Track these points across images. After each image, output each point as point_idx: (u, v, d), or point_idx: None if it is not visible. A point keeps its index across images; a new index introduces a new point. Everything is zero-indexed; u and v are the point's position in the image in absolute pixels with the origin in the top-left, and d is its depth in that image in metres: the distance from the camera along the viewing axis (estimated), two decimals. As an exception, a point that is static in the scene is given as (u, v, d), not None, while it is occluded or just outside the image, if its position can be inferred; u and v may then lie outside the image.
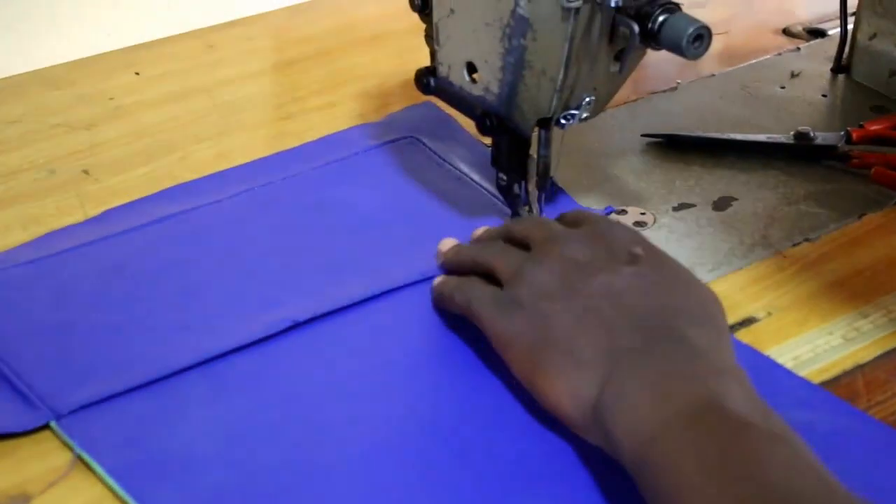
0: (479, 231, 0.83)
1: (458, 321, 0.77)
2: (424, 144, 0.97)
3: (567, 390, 0.67)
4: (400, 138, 0.98)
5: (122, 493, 0.65)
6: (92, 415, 0.70)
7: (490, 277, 0.75)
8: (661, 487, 0.59)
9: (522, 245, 0.76)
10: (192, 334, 0.76)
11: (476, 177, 0.93)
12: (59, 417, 0.70)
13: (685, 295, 0.70)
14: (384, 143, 0.97)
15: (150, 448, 0.68)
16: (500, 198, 0.88)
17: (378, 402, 0.72)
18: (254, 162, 0.96)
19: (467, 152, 0.96)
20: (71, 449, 0.68)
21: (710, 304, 0.70)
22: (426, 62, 0.87)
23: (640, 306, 0.68)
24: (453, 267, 0.80)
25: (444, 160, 0.95)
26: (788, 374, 0.74)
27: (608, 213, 0.88)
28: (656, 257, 0.73)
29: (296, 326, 0.77)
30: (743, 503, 0.56)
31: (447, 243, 0.82)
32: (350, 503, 0.66)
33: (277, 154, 0.97)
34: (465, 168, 0.94)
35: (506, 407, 0.72)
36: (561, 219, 0.79)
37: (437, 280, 0.80)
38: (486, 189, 0.92)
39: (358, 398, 0.73)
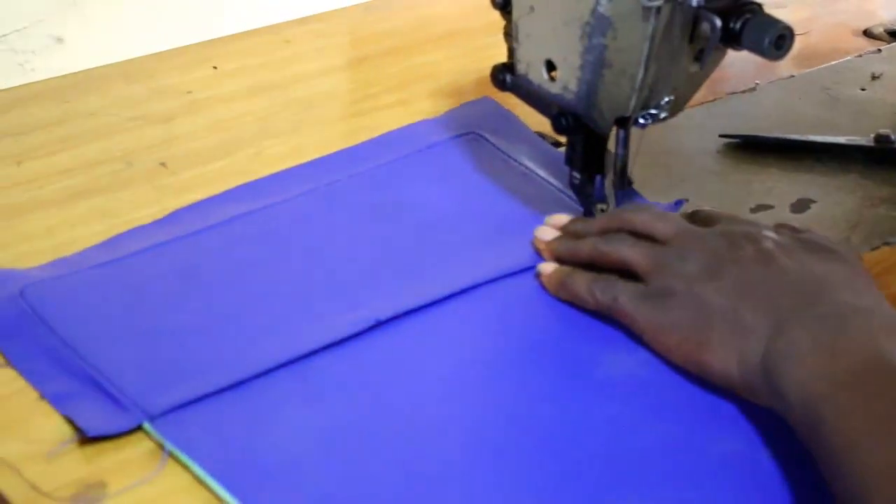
0: (563, 218, 0.83)
1: (544, 317, 0.78)
2: (487, 140, 0.97)
3: (734, 356, 0.68)
4: (463, 134, 0.98)
5: (222, 492, 0.65)
6: (184, 415, 0.70)
7: (618, 271, 0.76)
8: (832, 445, 0.60)
9: (645, 238, 0.76)
10: (275, 336, 0.76)
11: (541, 172, 0.93)
12: (151, 418, 0.69)
13: (838, 262, 0.71)
14: (448, 139, 0.98)
15: (244, 448, 0.68)
16: (567, 193, 0.88)
17: (467, 402, 0.72)
18: (318, 160, 0.96)
19: (530, 147, 0.96)
20: (162, 449, 0.68)
21: (860, 268, 0.72)
22: (500, 60, 0.86)
23: (794, 271, 0.70)
24: (568, 258, 0.80)
25: (507, 155, 0.95)
26: None
27: (678, 206, 0.88)
28: (795, 230, 0.75)
29: (378, 326, 0.77)
30: None
31: (548, 231, 0.82)
32: (449, 501, 0.66)
33: (341, 151, 0.97)
34: (529, 163, 0.94)
35: (597, 404, 0.71)
36: (693, 216, 0.79)
37: (550, 271, 0.79)
38: (551, 184, 0.92)
39: (447, 397, 0.72)
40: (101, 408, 0.70)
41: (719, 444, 0.69)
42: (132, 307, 0.79)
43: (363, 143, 0.97)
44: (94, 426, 0.69)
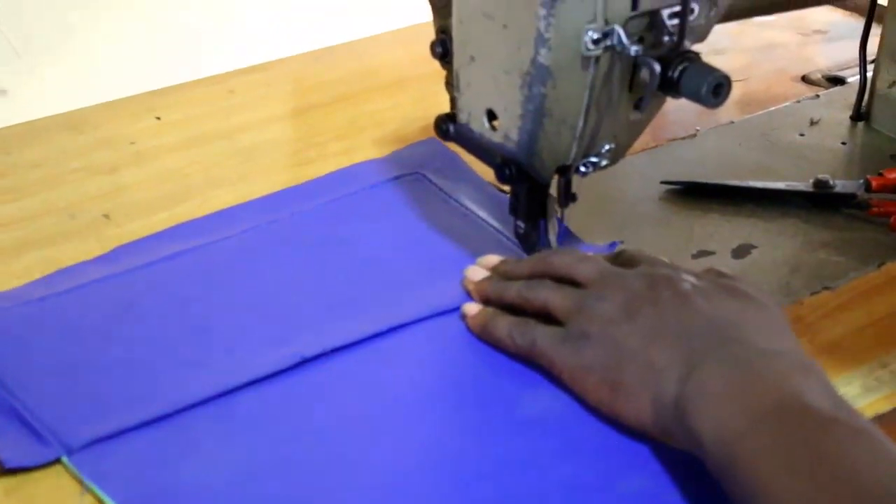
0: (493, 259, 0.84)
1: (466, 356, 0.79)
2: (430, 181, 0.98)
3: (648, 398, 0.68)
4: (406, 174, 0.99)
5: None
6: (102, 449, 0.71)
7: (541, 315, 0.76)
8: (748, 485, 0.61)
9: (568, 282, 0.76)
10: (201, 370, 0.77)
11: (482, 213, 0.94)
12: (69, 452, 0.70)
13: (755, 307, 0.72)
14: (391, 178, 0.99)
15: (160, 482, 0.69)
16: (506, 234, 0.90)
17: (385, 439, 0.72)
18: (261, 199, 0.97)
19: (472, 188, 0.97)
20: (80, 483, 0.68)
21: (777, 314, 0.72)
22: (446, 108, 0.87)
23: (709, 313, 0.70)
24: (495, 300, 0.80)
25: (449, 196, 0.96)
26: None
27: (612, 248, 0.89)
28: (720, 275, 0.75)
29: (305, 362, 0.77)
30: (835, 500, 0.57)
31: (477, 272, 0.83)
32: None
33: (284, 190, 0.98)
34: (470, 204, 0.95)
35: (513, 443, 0.72)
36: (617, 257, 0.80)
37: (475, 312, 0.80)
38: (491, 225, 0.93)
39: (367, 435, 0.73)
40: (21, 440, 0.71)
41: (626, 481, 0.69)
42: (64, 341, 0.80)
43: (307, 183, 0.99)
44: (11, 458, 0.70)
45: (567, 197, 0.82)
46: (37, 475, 0.69)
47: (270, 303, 0.84)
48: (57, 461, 0.70)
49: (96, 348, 0.79)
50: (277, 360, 0.77)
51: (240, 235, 0.91)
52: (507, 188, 0.86)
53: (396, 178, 0.99)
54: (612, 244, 0.89)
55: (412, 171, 0.99)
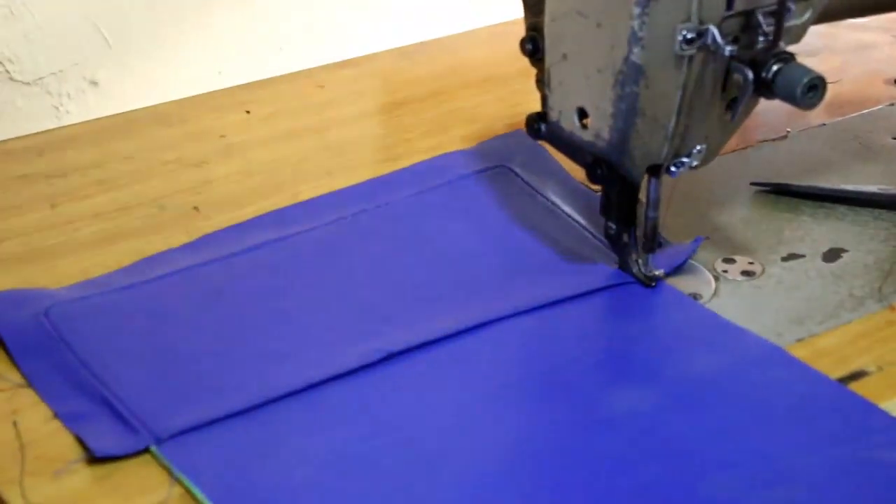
0: None
1: (551, 353, 0.79)
2: (516, 174, 0.98)
3: None
4: (492, 167, 0.99)
5: None
6: (192, 439, 0.71)
7: None
8: None
9: None
10: (289, 362, 0.77)
11: (568, 209, 0.94)
12: (159, 441, 0.70)
13: None
14: (476, 171, 0.98)
15: (249, 474, 0.69)
16: (591, 230, 0.90)
17: (472, 433, 0.72)
18: (347, 189, 0.97)
19: (558, 183, 0.96)
20: (170, 473, 0.69)
21: None
22: (535, 106, 0.87)
23: None
24: None
25: (535, 190, 0.96)
26: None
27: (697, 243, 0.88)
28: None
29: (391, 357, 0.77)
30: None
31: None
32: None
33: (370, 181, 0.98)
34: (556, 199, 0.95)
35: (597, 440, 0.72)
36: None
37: None
38: (577, 221, 0.92)
39: (452, 429, 0.73)
40: (111, 429, 0.72)
41: (712, 480, 0.68)
42: (152, 330, 0.81)
43: (392, 174, 0.99)
44: (101, 446, 0.70)
45: (652, 244, 0.84)
46: (126, 464, 0.70)
47: (356, 296, 0.84)
48: (146, 450, 0.70)
49: (184, 337, 0.80)
50: (364, 355, 0.77)
51: (325, 227, 0.91)
52: (596, 186, 0.85)
53: (482, 170, 0.99)
54: (697, 240, 0.89)
55: (498, 164, 0.99)
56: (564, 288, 0.84)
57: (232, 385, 0.75)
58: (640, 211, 0.83)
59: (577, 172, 0.89)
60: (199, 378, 0.76)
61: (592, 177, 0.82)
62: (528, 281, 0.85)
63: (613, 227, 0.84)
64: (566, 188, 0.96)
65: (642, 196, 0.83)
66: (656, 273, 0.85)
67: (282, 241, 0.90)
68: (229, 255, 0.88)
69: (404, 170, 0.99)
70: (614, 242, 0.85)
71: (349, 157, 1.04)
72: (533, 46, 0.85)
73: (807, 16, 0.77)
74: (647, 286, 0.85)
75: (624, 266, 0.86)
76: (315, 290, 0.85)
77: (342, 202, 0.95)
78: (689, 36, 0.73)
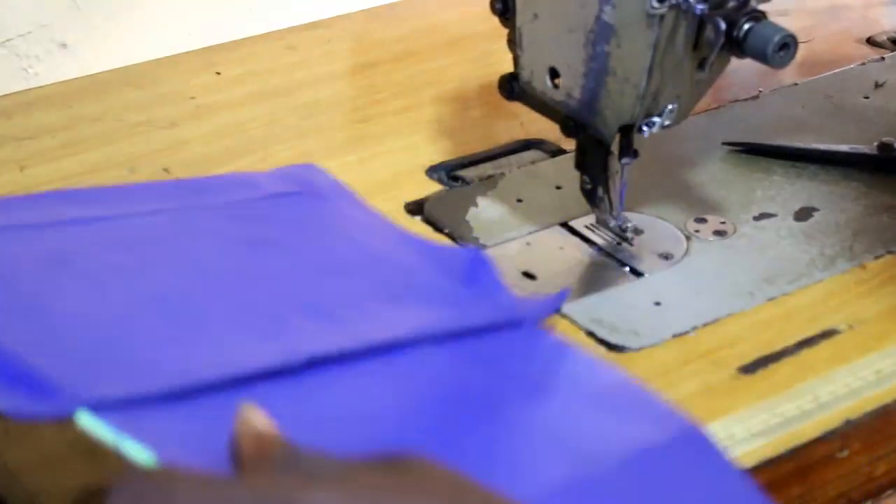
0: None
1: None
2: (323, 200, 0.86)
3: None
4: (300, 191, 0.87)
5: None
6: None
7: None
8: None
9: None
10: (198, 348, 0.67)
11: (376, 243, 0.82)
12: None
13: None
14: (288, 193, 0.86)
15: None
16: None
17: None
18: (157, 183, 0.89)
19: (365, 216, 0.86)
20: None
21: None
22: (506, 66, 0.86)
23: None
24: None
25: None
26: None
27: (562, 297, 0.77)
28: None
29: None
30: None
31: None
32: None
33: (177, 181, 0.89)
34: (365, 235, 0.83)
35: None
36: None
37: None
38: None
39: None
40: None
41: None
42: (11, 286, 0.69)
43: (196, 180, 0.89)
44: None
45: (629, 152, 0.82)
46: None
47: (229, 289, 0.73)
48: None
49: (61, 301, 0.69)
50: (285, 353, 0.66)
51: (170, 212, 0.81)
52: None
53: (296, 193, 0.86)
54: (563, 293, 0.78)
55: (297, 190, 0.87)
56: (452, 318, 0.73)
57: (148, 361, 0.65)
58: (612, 163, 0.83)
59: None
60: (99, 348, 0.65)
61: (565, 130, 0.82)
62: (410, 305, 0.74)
63: (588, 181, 0.84)
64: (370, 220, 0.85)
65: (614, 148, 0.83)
66: (629, 227, 0.85)
67: (127, 217, 0.79)
68: (80, 219, 0.77)
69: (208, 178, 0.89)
70: (590, 197, 0.85)
71: (320, 118, 1.03)
72: (503, 6, 0.84)
73: (778, -26, 0.77)
74: (624, 241, 0.85)
75: (600, 222, 0.86)
76: (183, 276, 0.73)
77: (179, 192, 0.84)
78: (660, -6, 0.73)
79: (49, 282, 0.70)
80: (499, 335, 0.72)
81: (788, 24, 0.76)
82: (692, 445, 0.66)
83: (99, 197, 0.82)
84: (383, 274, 0.77)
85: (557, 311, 0.78)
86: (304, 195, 0.85)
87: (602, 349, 0.77)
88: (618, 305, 0.81)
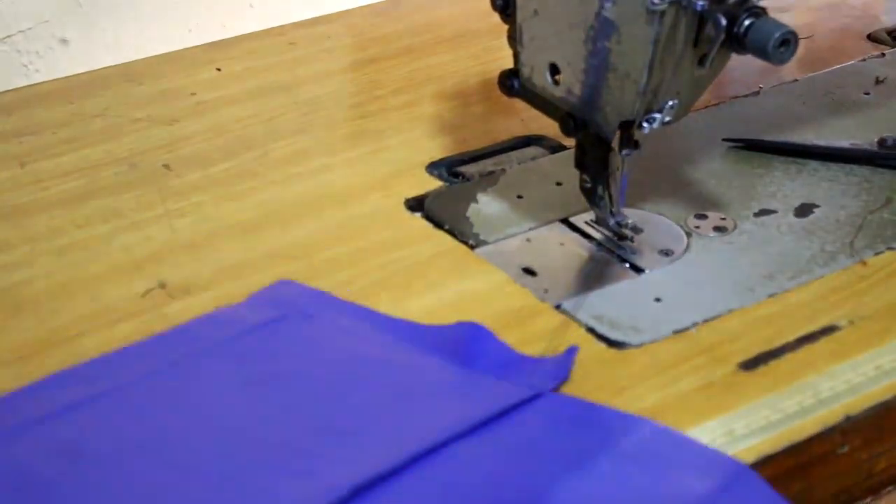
0: None
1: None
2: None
3: None
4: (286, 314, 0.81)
5: None
6: None
7: None
8: None
9: None
10: None
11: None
12: None
13: None
14: (276, 319, 0.80)
15: None
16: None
17: None
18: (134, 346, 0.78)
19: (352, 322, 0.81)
20: None
21: None
22: (507, 63, 0.86)
23: None
24: None
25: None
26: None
27: (572, 354, 0.75)
28: None
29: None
30: None
31: None
32: None
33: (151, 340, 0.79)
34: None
35: None
36: None
37: None
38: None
39: None
40: None
41: None
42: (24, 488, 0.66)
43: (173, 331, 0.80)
44: None
45: (629, 144, 0.81)
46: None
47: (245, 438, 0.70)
48: None
49: None
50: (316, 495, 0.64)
51: (169, 369, 0.75)
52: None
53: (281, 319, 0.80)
54: (572, 349, 0.76)
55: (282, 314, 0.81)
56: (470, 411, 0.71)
57: None
58: (613, 161, 0.83)
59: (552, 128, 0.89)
60: None
61: (565, 128, 0.82)
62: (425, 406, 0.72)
63: (588, 179, 0.84)
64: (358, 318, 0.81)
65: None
66: (628, 224, 0.85)
67: (129, 387, 0.73)
68: (70, 404, 0.72)
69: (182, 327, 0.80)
70: (589, 196, 0.85)
71: (320, 114, 1.03)
72: (504, 2, 0.84)
73: (778, -30, 0.77)
74: (623, 240, 0.85)
75: (599, 220, 0.86)
76: (202, 435, 0.70)
77: (152, 353, 0.77)
78: (660, -10, 0.73)
79: (67, 475, 0.66)
80: (522, 416, 0.70)
81: (789, 20, 0.77)
82: (745, 486, 0.66)
83: (91, 372, 0.75)
84: (394, 379, 0.74)
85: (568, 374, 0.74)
86: (290, 318, 0.79)
87: (602, 345, 0.77)
88: (618, 301, 0.81)
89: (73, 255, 0.85)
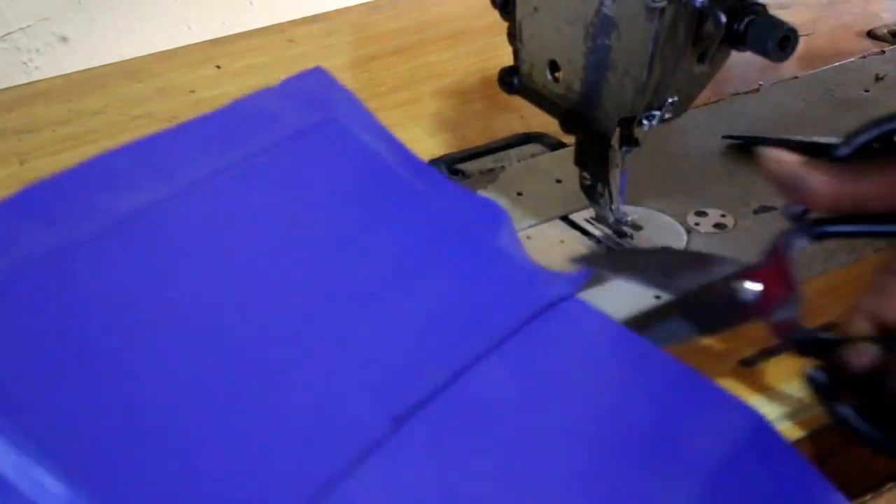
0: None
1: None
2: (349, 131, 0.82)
3: None
4: (320, 123, 0.80)
5: None
6: None
7: None
8: None
9: None
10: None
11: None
12: None
13: None
14: (306, 128, 0.79)
15: None
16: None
17: None
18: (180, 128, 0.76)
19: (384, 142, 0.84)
20: None
21: None
22: (506, 60, 0.86)
23: None
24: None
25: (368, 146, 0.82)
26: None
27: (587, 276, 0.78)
28: None
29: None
30: None
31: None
32: None
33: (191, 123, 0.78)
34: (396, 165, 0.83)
35: None
36: None
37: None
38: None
39: None
40: None
41: None
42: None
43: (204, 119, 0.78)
44: None
45: (629, 141, 0.81)
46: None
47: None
48: None
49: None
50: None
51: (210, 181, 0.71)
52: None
53: (312, 128, 0.79)
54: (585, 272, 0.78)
55: (326, 120, 0.80)
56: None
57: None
58: (612, 158, 0.83)
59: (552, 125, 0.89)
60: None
61: (565, 126, 0.82)
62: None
63: (588, 177, 0.84)
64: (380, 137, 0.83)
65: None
66: (628, 221, 0.85)
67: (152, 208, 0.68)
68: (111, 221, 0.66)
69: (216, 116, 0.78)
70: (589, 193, 0.85)
71: (320, 111, 1.03)
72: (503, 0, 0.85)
73: (778, -33, 0.77)
74: (623, 237, 0.85)
75: (599, 218, 0.86)
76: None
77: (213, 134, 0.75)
78: (660, -13, 0.73)
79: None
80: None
81: (789, 17, 0.76)
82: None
83: (133, 158, 0.71)
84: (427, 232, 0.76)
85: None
86: (328, 126, 0.79)
87: (602, 342, 0.77)
88: (618, 298, 0.81)
89: (72, 253, 0.85)
